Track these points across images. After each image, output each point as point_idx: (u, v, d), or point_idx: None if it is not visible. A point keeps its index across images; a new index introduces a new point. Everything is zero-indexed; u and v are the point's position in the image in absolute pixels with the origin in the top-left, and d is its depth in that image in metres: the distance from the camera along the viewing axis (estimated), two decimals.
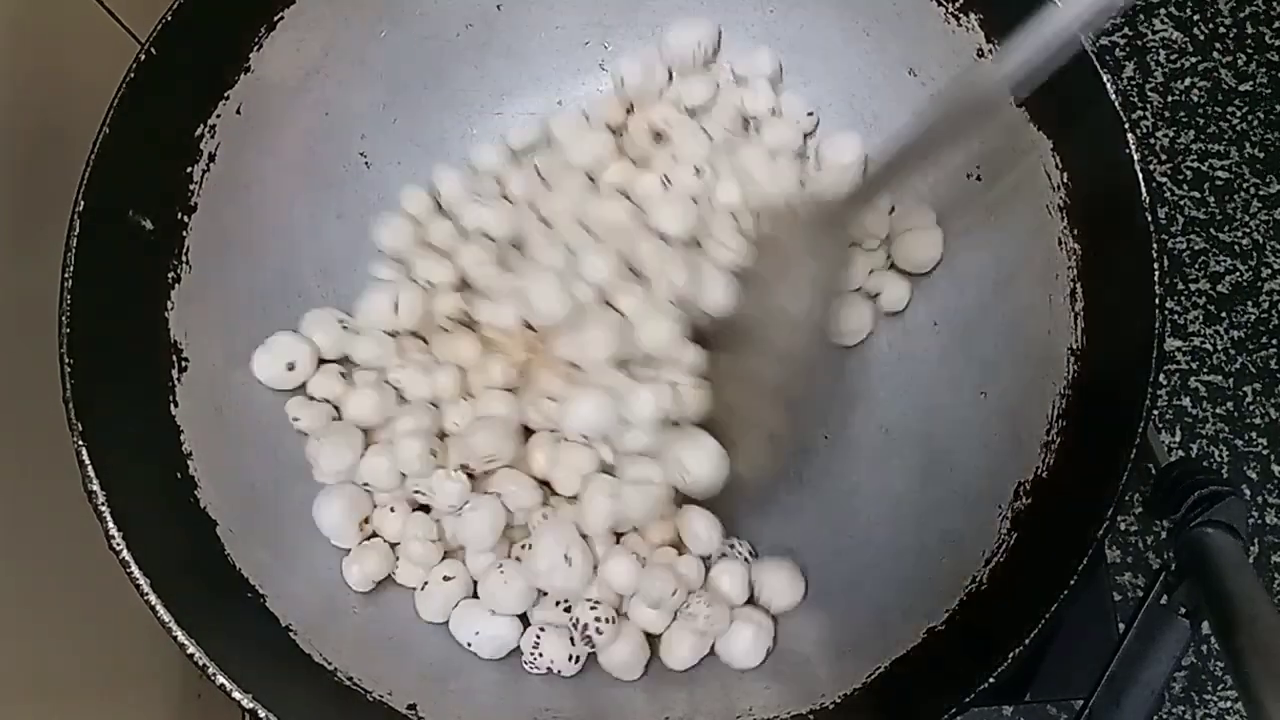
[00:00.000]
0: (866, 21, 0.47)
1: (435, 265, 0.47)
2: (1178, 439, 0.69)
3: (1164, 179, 0.73)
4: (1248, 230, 0.72)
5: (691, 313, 0.45)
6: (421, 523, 0.43)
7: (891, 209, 0.47)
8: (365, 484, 0.43)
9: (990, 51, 0.43)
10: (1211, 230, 0.72)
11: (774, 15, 0.49)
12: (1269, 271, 0.71)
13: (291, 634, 0.40)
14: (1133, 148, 0.37)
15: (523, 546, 0.43)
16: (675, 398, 0.43)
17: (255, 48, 0.44)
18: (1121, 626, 0.39)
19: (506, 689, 0.42)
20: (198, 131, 0.43)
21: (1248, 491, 0.68)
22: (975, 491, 0.42)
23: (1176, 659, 0.37)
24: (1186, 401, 0.69)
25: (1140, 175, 0.37)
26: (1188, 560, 0.37)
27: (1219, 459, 0.68)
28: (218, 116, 0.43)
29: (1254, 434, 0.68)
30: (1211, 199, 0.73)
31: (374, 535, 0.44)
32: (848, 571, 0.44)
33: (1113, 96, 0.38)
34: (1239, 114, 0.74)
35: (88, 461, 0.36)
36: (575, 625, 0.41)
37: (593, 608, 0.41)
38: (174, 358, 0.41)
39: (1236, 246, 0.72)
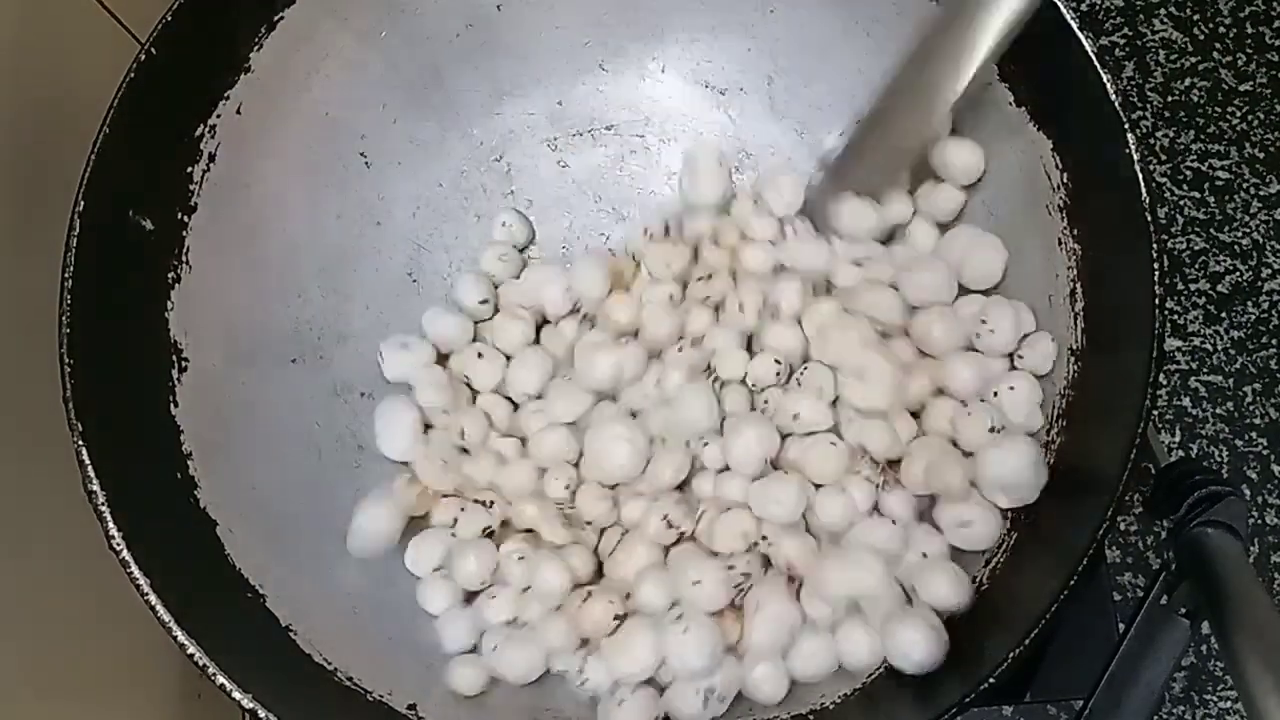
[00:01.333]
0: (866, 22, 0.47)
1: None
2: (1178, 439, 0.68)
3: (1164, 179, 0.73)
4: (1248, 230, 0.72)
5: None
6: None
7: None
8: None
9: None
10: (1211, 230, 0.72)
11: (774, 15, 0.49)
12: (1269, 271, 0.71)
13: (291, 634, 0.40)
14: (1132, 148, 0.37)
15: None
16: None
17: (255, 48, 0.44)
18: (1121, 626, 0.39)
19: (506, 690, 0.42)
20: (198, 131, 0.43)
21: (1248, 491, 0.67)
22: None
23: (1176, 659, 0.37)
24: (1186, 401, 0.69)
25: (1140, 175, 0.37)
26: (1188, 560, 0.37)
27: (1219, 459, 0.68)
28: (218, 117, 0.43)
29: (1254, 434, 0.68)
30: (1211, 199, 0.73)
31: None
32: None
33: (1113, 96, 0.38)
34: (1239, 114, 0.74)
35: (88, 461, 0.36)
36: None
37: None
38: (174, 358, 0.41)
39: (1236, 246, 0.72)
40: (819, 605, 0.40)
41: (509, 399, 0.48)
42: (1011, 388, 0.41)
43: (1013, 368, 0.43)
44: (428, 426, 0.47)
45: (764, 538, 0.41)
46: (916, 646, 0.37)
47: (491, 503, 0.45)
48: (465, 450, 0.46)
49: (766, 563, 0.42)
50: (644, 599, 0.40)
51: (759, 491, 0.41)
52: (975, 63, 0.41)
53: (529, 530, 0.45)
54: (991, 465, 0.40)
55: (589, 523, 0.44)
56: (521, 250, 0.52)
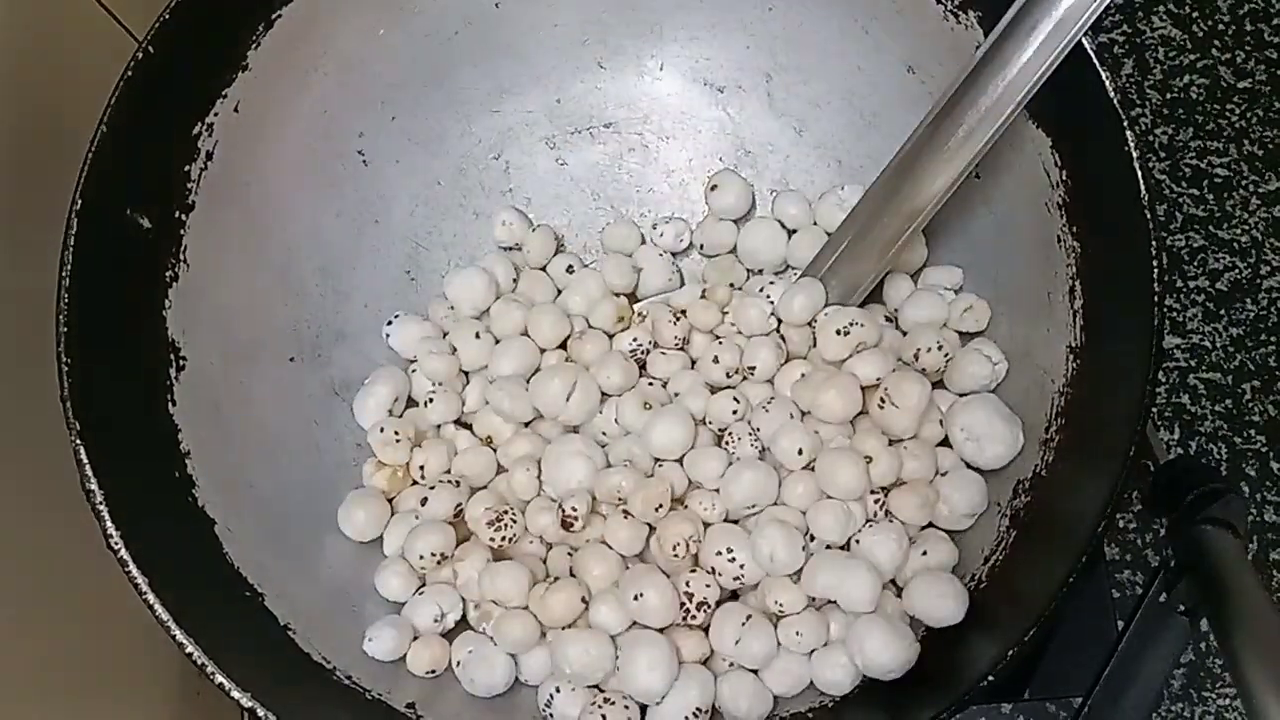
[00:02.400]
0: (865, 19, 0.47)
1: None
2: (1176, 436, 0.68)
3: (1163, 176, 0.73)
4: (1247, 228, 0.72)
5: None
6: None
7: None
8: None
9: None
10: (1210, 227, 0.72)
11: (773, 13, 0.49)
12: (1268, 269, 0.71)
13: (290, 633, 0.40)
14: (1131, 145, 0.37)
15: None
16: None
17: (253, 46, 0.44)
18: (1121, 624, 0.39)
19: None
20: (196, 130, 0.43)
21: (1246, 489, 0.67)
22: None
23: (1176, 656, 0.37)
24: (1185, 399, 0.69)
25: (1139, 172, 0.37)
26: (1187, 558, 0.37)
27: (1218, 456, 0.68)
28: (216, 115, 0.43)
29: (1253, 431, 0.68)
30: (1210, 196, 0.73)
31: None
32: None
33: (1111, 94, 0.38)
34: (1238, 111, 0.74)
35: (86, 460, 0.36)
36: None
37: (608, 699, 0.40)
38: (172, 356, 0.41)
39: (1235, 244, 0.72)
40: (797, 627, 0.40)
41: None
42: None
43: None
44: (410, 406, 0.48)
45: (741, 571, 0.41)
46: (885, 652, 0.38)
47: (459, 482, 0.45)
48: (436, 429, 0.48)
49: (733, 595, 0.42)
50: (600, 617, 0.41)
51: (756, 536, 0.41)
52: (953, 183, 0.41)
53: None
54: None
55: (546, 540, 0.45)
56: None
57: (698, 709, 0.39)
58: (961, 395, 0.44)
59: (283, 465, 0.44)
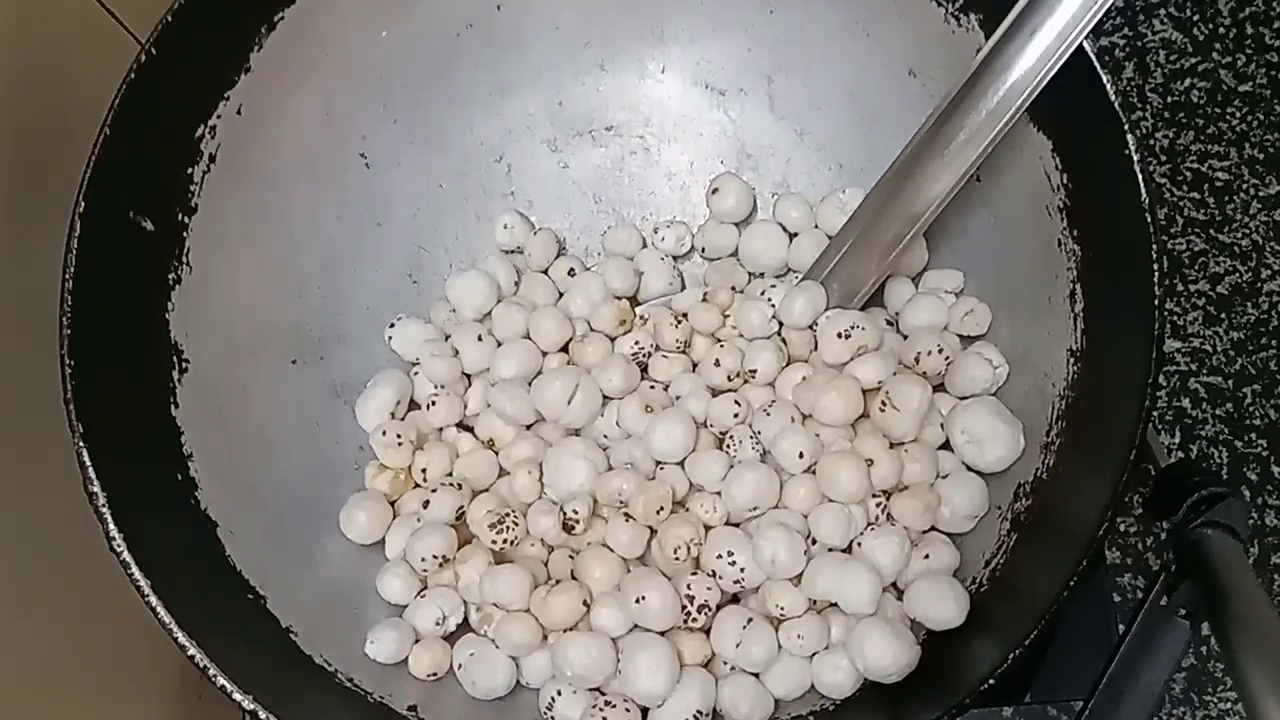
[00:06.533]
0: (867, 22, 0.47)
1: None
2: (1177, 440, 0.68)
3: (1163, 180, 0.73)
4: (1247, 231, 0.72)
5: None
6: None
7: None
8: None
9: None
10: (1211, 231, 0.72)
11: (774, 15, 0.49)
12: (1269, 273, 0.71)
13: (292, 635, 0.40)
14: (1132, 148, 0.37)
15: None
16: None
17: (255, 47, 0.44)
18: (1121, 628, 0.39)
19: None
20: (198, 132, 0.43)
21: (1247, 493, 0.67)
22: None
23: (1176, 660, 0.37)
24: (1186, 403, 0.69)
25: (1140, 176, 0.37)
26: (1187, 561, 0.37)
27: (1218, 460, 0.68)
28: (218, 117, 0.43)
29: (1253, 435, 0.68)
30: (1211, 200, 0.73)
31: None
32: None
33: (1112, 97, 0.38)
34: (1239, 115, 0.74)
35: (88, 463, 0.36)
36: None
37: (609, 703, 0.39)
38: (174, 358, 0.41)
39: (1236, 248, 0.72)
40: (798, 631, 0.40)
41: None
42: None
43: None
44: (412, 408, 0.48)
45: (742, 574, 0.41)
46: (886, 654, 0.38)
47: (460, 484, 0.45)
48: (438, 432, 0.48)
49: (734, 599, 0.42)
50: (601, 620, 0.41)
51: (758, 539, 0.41)
52: (957, 183, 0.41)
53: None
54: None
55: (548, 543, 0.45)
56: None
57: (699, 712, 0.39)
58: (962, 398, 0.44)
59: (285, 468, 0.44)
